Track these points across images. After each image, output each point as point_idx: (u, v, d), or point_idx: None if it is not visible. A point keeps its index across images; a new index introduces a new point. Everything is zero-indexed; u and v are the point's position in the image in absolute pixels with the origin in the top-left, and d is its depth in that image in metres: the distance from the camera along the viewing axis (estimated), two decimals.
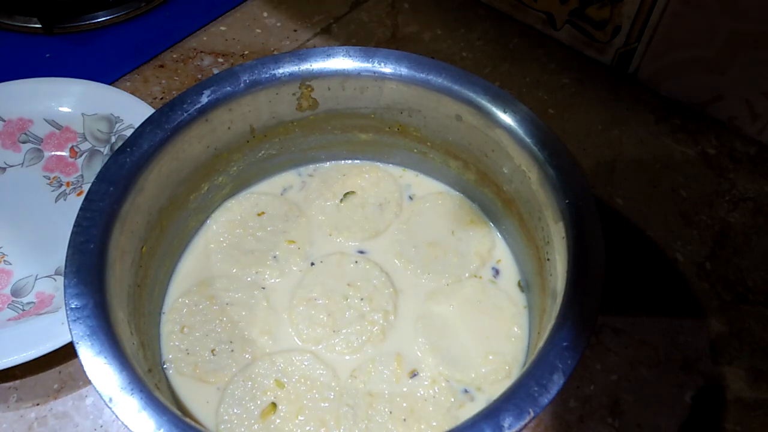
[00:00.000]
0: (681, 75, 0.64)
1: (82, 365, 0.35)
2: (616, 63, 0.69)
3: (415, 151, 0.53)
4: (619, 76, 0.69)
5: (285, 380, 0.44)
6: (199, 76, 0.69)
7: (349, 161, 0.56)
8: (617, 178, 0.61)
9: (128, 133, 0.45)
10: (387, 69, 0.48)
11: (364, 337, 0.46)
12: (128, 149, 0.43)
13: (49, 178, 0.60)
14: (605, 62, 0.70)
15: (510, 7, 0.74)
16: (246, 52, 0.71)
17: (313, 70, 0.48)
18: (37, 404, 0.48)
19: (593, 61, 0.70)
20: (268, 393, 0.44)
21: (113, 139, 0.60)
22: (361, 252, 0.51)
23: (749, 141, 0.64)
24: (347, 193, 0.54)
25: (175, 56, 0.71)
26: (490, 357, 0.45)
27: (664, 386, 0.50)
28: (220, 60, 0.71)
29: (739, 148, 0.64)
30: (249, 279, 0.49)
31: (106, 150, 0.60)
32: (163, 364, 0.45)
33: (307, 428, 0.43)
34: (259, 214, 0.53)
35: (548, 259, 0.44)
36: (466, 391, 0.45)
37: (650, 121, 0.66)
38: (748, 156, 0.63)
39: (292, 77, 0.48)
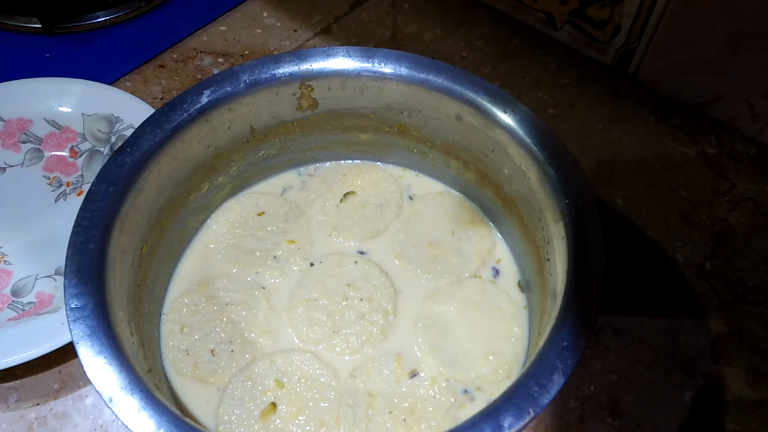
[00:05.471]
0: (681, 75, 0.64)
1: (82, 365, 0.35)
2: (616, 63, 0.69)
3: (415, 151, 0.53)
4: (619, 76, 0.69)
5: (285, 380, 0.44)
6: (199, 76, 0.69)
7: (349, 161, 0.56)
8: (617, 178, 0.61)
9: (128, 133, 0.45)
10: (387, 69, 0.48)
11: (363, 338, 0.46)
12: (128, 149, 0.43)
13: (49, 178, 0.60)
14: (605, 62, 0.70)
15: (510, 7, 0.74)
16: (246, 52, 0.71)
17: (313, 70, 0.48)
18: (37, 404, 0.48)
19: (593, 61, 0.70)
20: (268, 393, 0.44)
21: (113, 139, 0.60)
22: (361, 252, 0.51)
23: (749, 141, 0.64)
24: (347, 193, 0.54)
25: (175, 56, 0.71)
26: (490, 357, 0.45)
27: (664, 386, 0.50)
28: (220, 60, 0.71)
29: (739, 148, 0.64)
30: (249, 279, 0.49)
31: (106, 150, 0.60)
32: (163, 364, 0.45)
33: (307, 428, 0.43)
34: (259, 214, 0.53)
35: (548, 259, 0.44)
36: (466, 391, 0.45)
37: (650, 121, 0.65)
38: (748, 156, 0.63)
39: (292, 77, 0.48)
